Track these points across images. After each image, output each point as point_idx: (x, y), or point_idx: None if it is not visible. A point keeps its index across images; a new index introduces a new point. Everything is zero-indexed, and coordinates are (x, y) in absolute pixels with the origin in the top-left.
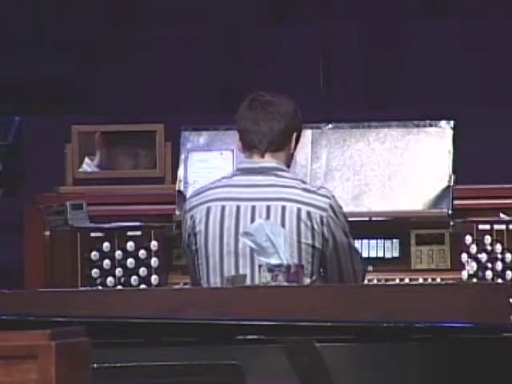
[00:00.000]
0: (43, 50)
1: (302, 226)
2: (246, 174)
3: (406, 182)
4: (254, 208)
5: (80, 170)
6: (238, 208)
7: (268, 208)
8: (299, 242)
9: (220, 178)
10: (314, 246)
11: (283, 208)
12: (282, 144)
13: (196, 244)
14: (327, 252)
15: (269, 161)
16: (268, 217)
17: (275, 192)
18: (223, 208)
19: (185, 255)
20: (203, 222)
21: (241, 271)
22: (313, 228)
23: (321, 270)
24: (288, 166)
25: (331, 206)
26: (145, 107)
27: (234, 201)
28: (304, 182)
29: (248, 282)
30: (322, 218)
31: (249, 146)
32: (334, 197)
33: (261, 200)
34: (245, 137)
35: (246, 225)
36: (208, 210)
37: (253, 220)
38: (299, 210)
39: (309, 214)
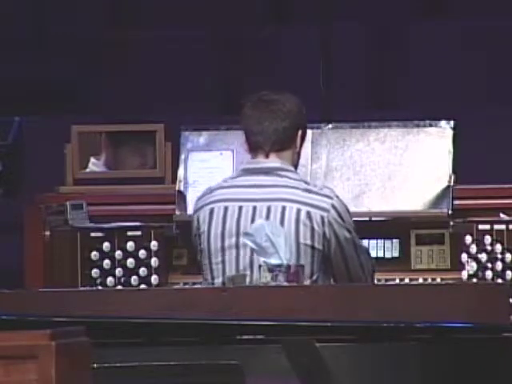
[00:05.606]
0: (43, 49)
1: (301, 226)
2: (249, 174)
3: (406, 181)
4: (255, 208)
5: (87, 169)
6: (240, 208)
7: (268, 208)
8: (298, 242)
9: (226, 178)
10: (313, 247)
11: (283, 208)
12: (287, 143)
13: (200, 244)
14: (331, 251)
15: (273, 161)
16: (268, 217)
17: (276, 192)
18: (226, 209)
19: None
20: (206, 222)
21: (241, 271)
22: (312, 228)
23: (328, 270)
24: (295, 165)
25: (333, 206)
26: (145, 107)
27: (237, 201)
28: (307, 183)
29: (247, 281)
30: (322, 218)
31: (254, 147)
32: (337, 197)
33: (262, 200)
34: (250, 138)
35: (247, 225)
36: (211, 211)
37: (253, 220)
38: (299, 210)
39: (308, 214)
